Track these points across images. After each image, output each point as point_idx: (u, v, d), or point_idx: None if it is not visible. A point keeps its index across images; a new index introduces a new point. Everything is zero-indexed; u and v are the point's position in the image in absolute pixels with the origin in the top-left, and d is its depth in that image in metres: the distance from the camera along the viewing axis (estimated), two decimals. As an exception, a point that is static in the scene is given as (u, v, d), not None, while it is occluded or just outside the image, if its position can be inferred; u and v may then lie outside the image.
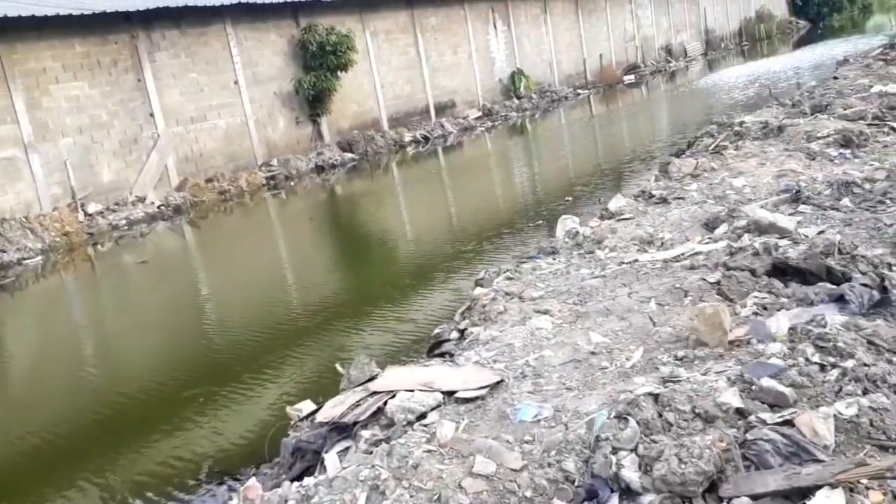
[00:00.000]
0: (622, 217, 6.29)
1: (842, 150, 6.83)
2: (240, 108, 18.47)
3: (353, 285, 9.61)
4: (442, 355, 4.46)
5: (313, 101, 20.37)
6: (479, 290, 5.27)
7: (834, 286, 3.90)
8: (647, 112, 24.59)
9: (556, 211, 10.66)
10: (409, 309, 7.52)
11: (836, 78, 14.85)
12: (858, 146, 7.00)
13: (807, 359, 3.08)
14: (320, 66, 20.01)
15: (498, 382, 3.63)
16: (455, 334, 4.83)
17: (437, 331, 5.18)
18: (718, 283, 4.25)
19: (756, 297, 3.97)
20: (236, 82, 18.39)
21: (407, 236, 11.97)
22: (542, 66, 30.80)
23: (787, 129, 8.52)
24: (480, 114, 27.00)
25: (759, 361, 3.17)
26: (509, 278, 5.41)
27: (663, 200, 6.40)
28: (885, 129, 7.65)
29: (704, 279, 4.35)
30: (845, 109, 9.83)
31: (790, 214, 5.71)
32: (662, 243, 5.50)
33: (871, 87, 12.67)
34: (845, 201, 5.65)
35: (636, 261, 4.96)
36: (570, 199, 11.43)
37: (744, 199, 6.14)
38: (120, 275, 12.00)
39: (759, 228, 4.99)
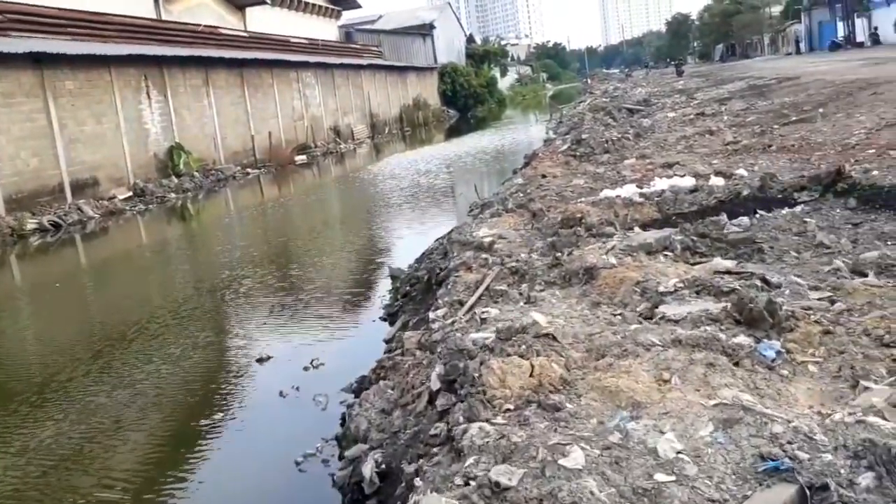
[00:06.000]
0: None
1: (757, 340, 3.50)
2: None
3: None
4: None
5: None
6: None
7: None
8: (327, 201, 20.63)
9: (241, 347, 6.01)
10: None
11: (544, 176, 12.55)
12: (776, 327, 3.82)
13: None
14: None
15: None
16: None
17: None
18: None
19: None
20: None
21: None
22: (205, 141, 25.68)
23: (600, 273, 5.22)
24: (131, 194, 21.01)
25: None
26: None
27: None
28: (754, 283, 4.67)
29: None
30: (625, 228, 7.00)
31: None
32: None
33: (598, 189, 10.38)
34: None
35: None
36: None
37: (700, 498, 2.48)
38: None
39: None
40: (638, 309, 4.70)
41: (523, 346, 3.83)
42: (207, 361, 6.81)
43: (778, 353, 3.57)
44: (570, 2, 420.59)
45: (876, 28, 45.07)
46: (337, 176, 26.56)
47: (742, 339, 3.77)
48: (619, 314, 4.60)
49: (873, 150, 10.15)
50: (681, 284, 4.85)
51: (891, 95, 15.26)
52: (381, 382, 4.91)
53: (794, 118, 15.15)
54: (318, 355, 6.30)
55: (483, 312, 5.09)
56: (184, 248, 14.67)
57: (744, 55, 70.83)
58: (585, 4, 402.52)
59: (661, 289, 4.85)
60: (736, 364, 3.52)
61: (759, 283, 4.75)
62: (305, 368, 6.10)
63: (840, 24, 50.36)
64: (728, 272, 5.00)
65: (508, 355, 3.75)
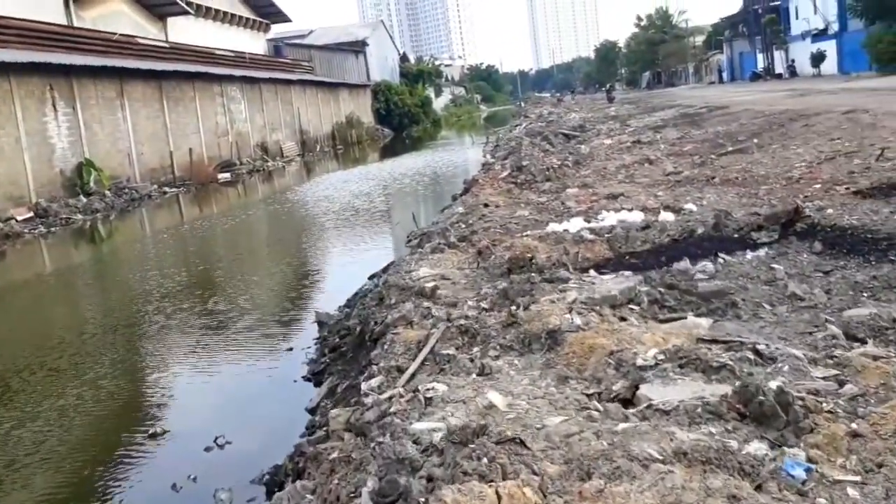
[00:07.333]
0: None
1: (772, 445, 2.76)
2: None
3: None
4: None
5: None
6: None
7: None
8: (251, 224, 19.23)
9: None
10: None
11: (486, 205, 11.79)
12: (791, 426, 3.07)
13: None
14: None
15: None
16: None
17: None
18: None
19: None
20: None
21: None
22: (119, 157, 23.94)
23: (565, 339, 4.43)
24: (32, 214, 19.21)
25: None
26: None
27: None
28: (745, 356, 3.97)
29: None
30: (578, 269, 6.25)
31: None
32: None
33: (543, 222, 9.71)
34: None
35: None
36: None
37: None
38: None
39: None
40: (615, 388, 3.90)
41: (484, 460, 2.93)
42: (87, 438, 5.62)
43: (807, 470, 2.81)
44: (502, 25, 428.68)
45: (793, 60, 46.89)
46: (263, 196, 25.19)
47: (757, 447, 2.98)
48: (596, 394, 3.78)
49: (819, 185, 9.82)
50: (662, 356, 4.07)
51: (821, 128, 15.25)
52: (299, 483, 3.92)
53: (730, 148, 14.95)
54: (226, 430, 5.22)
55: (428, 389, 4.18)
56: (84, 278, 13.18)
57: (669, 83, 72.85)
58: (517, 28, 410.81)
59: (640, 362, 4.06)
60: (758, 488, 2.73)
61: (751, 355, 4.03)
62: (208, 449, 5.01)
63: (760, 56, 52.24)
64: (714, 341, 4.26)
65: (465, 474, 2.85)
